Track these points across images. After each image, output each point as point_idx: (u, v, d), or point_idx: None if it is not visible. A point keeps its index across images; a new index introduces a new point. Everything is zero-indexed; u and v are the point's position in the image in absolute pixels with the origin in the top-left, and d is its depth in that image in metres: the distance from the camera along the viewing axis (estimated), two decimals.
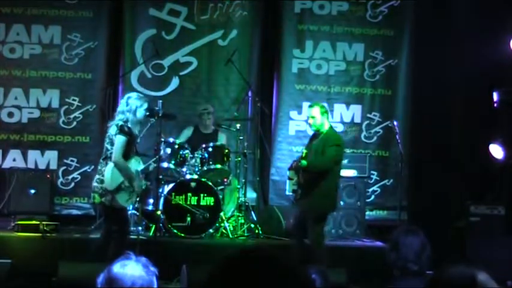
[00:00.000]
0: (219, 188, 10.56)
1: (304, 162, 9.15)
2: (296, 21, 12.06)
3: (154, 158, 9.36)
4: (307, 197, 9.17)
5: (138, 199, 9.35)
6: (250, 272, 2.11)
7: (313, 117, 9.23)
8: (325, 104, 9.88)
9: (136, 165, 8.71)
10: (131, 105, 8.53)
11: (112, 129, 8.53)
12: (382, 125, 12.00)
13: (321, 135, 9.22)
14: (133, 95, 8.84)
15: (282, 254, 2.17)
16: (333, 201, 9.43)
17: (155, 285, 3.48)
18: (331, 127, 9.45)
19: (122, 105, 8.66)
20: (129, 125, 8.48)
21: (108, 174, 8.50)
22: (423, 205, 11.41)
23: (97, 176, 8.65)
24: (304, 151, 9.41)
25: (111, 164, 8.48)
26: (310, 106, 9.50)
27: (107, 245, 8.66)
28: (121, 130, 8.43)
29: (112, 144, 8.48)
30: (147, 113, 8.74)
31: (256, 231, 10.48)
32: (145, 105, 8.64)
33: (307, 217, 9.24)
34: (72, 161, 11.54)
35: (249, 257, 2.17)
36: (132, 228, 10.11)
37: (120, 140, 8.43)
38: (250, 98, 11.22)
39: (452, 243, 10.34)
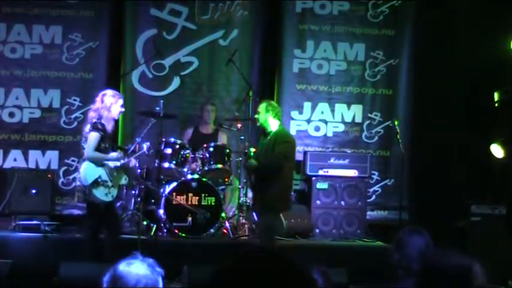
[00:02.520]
0: (220, 187, 10.57)
1: (253, 161, 9.20)
2: (297, 21, 12.06)
3: (137, 154, 9.35)
4: (261, 197, 9.18)
5: (138, 196, 9.39)
6: (257, 272, 2.12)
7: (258, 112, 9.30)
8: (273, 103, 9.81)
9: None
10: (106, 102, 8.63)
11: (87, 128, 8.71)
12: (383, 124, 12.00)
13: (270, 134, 9.24)
14: (108, 92, 8.96)
15: (289, 255, 2.17)
16: (286, 200, 9.44)
17: (160, 285, 3.48)
18: (281, 126, 9.48)
19: (97, 103, 8.75)
20: (103, 122, 8.58)
21: (83, 170, 8.69)
22: (424, 205, 11.41)
23: (77, 176, 8.91)
24: (252, 149, 9.43)
25: (86, 161, 8.64)
26: (260, 103, 9.55)
27: (96, 243, 8.76)
28: (94, 127, 8.60)
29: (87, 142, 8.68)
30: (123, 109, 8.81)
31: (257, 231, 10.46)
32: (120, 102, 8.74)
33: (259, 212, 9.26)
34: (73, 161, 11.53)
35: (255, 258, 2.17)
36: (133, 228, 10.14)
37: (92, 136, 8.60)
38: (251, 98, 11.21)
39: (453, 242, 10.34)
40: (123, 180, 9.06)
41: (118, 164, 8.77)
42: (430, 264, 3.71)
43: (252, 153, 9.48)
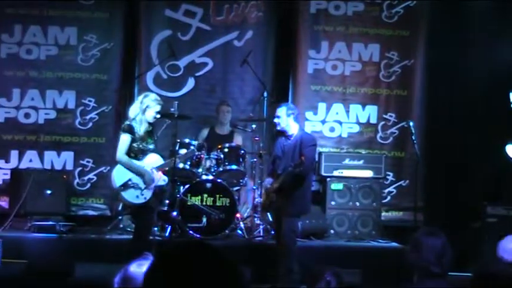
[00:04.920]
0: (235, 188, 10.56)
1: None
2: (311, 21, 12.04)
3: (180, 155, 9.49)
4: (287, 201, 9.05)
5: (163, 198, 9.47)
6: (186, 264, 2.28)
7: (278, 117, 9.14)
8: (291, 105, 9.74)
9: (153, 162, 8.79)
10: (144, 103, 8.64)
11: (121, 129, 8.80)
12: (398, 125, 11.97)
13: (292, 138, 9.10)
14: (151, 95, 8.99)
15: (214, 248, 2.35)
16: (307, 203, 9.35)
17: None
18: (302, 129, 9.40)
19: (137, 101, 8.81)
20: (135, 124, 8.59)
21: (113, 173, 8.76)
22: (439, 206, 11.38)
23: None
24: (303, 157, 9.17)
25: (117, 164, 8.71)
26: (279, 106, 9.36)
27: (141, 243, 8.73)
28: (122, 129, 8.71)
29: None
30: (157, 116, 8.79)
31: (272, 231, 10.45)
32: (157, 108, 8.71)
33: (282, 213, 9.14)
34: (88, 161, 11.57)
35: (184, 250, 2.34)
36: None
37: (121, 138, 8.69)
38: (265, 99, 11.20)
39: (468, 244, 10.29)
40: (162, 182, 9.05)
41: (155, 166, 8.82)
42: (489, 273, 3.74)
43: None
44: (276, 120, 9.15)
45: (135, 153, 8.69)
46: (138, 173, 8.68)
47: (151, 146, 8.87)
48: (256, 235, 10.47)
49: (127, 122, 8.69)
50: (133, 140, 8.64)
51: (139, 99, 8.77)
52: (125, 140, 8.63)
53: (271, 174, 9.35)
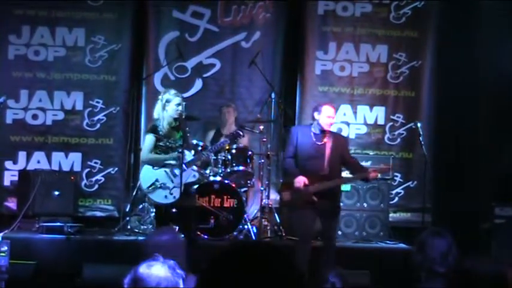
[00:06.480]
0: (243, 189, 10.56)
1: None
2: (319, 22, 12.03)
3: (211, 147, 9.59)
4: (329, 198, 8.99)
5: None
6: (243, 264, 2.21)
7: (334, 117, 9.08)
8: None
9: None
10: (162, 100, 8.68)
11: None
12: (406, 126, 11.95)
13: (325, 137, 8.94)
14: (166, 90, 9.07)
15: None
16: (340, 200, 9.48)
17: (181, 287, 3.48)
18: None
19: (158, 101, 8.90)
20: (158, 123, 8.63)
21: (141, 175, 8.84)
22: (447, 207, 11.35)
23: None
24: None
25: (144, 165, 8.77)
26: (330, 106, 9.22)
27: None
28: (147, 130, 8.86)
29: None
30: (179, 109, 8.76)
31: (280, 232, 10.45)
32: (178, 101, 8.73)
33: (329, 215, 9.08)
34: (96, 163, 11.57)
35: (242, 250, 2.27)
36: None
37: (146, 139, 8.79)
38: (273, 100, 11.20)
39: (477, 245, 10.27)
40: (192, 178, 9.04)
41: (174, 162, 8.79)
42: (464, 269, 3.73)
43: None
44: (332, 121, 9.01)
45: (163, 151, 8.72)
46: (167, 161, 8.68)
47: (180, 142, 8.84)
48: (264, 236, 10.46)
49: (151, 123, 8.77)
50: (158, 139, 8.66)
51: (159, 98, 8.83)
52: (148, 140, 8.70)
53: (306, 175, 8.99)
